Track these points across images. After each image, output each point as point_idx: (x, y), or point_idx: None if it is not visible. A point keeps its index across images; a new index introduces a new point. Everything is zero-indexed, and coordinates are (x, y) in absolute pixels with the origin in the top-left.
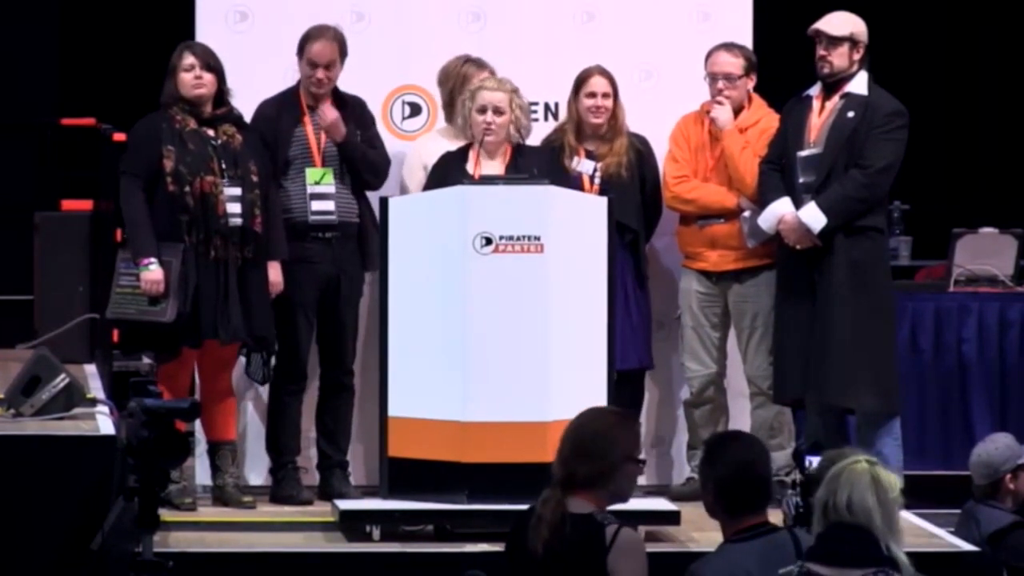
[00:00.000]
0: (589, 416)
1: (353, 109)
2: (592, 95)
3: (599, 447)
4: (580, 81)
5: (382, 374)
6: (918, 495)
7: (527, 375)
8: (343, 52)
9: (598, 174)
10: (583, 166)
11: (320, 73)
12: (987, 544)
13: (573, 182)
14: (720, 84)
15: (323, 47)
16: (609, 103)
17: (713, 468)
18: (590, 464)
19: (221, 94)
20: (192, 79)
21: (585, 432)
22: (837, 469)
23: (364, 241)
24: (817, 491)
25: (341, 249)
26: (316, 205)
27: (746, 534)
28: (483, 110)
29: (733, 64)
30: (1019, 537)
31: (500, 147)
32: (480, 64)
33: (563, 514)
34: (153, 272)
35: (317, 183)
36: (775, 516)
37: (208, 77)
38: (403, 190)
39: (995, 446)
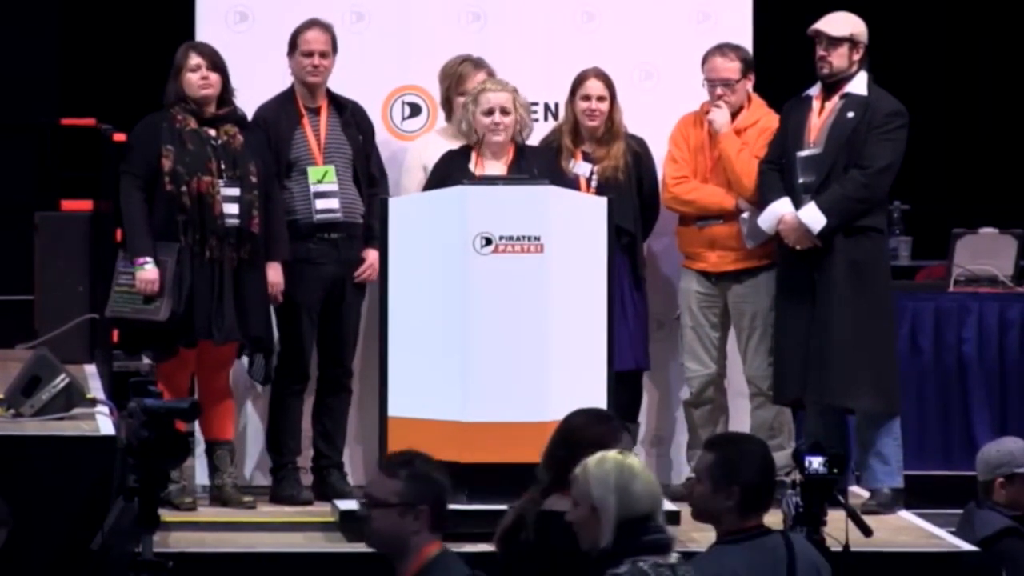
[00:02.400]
0: (564, 419)
1: (353, 114)
2: (587, 98)
3: (561, 449)
4: (576, 83)
5: (382, 374)
6: (918, 495)
7: (527, 375)
8: (334, 45)
9: (595, 177)
10: (580, 168)
11: (316, 59)
12: (979, 548)
13: (570, 184)
14: (719, 90)
15: (317, 34)
16: (604, 106)
17: (737, 472)
18: (555, 466)
19: (225, 94)
20: (198, 79)
21: (554, 434)
22: (612, 465)
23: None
24: (595, 491)
25: (346, 250)
26: (320, 204)
27: (739, 535)
28: (490, 112)
29: (730, 69)
30: (1008, 544)
31: (504, 148)
32: (478, 64)
33: (538, 512)
34: (148, 271)
35: (319, 181)
36: (775, 516)
37: (214, 77)
38: (401, 190)
39: (997, 448)
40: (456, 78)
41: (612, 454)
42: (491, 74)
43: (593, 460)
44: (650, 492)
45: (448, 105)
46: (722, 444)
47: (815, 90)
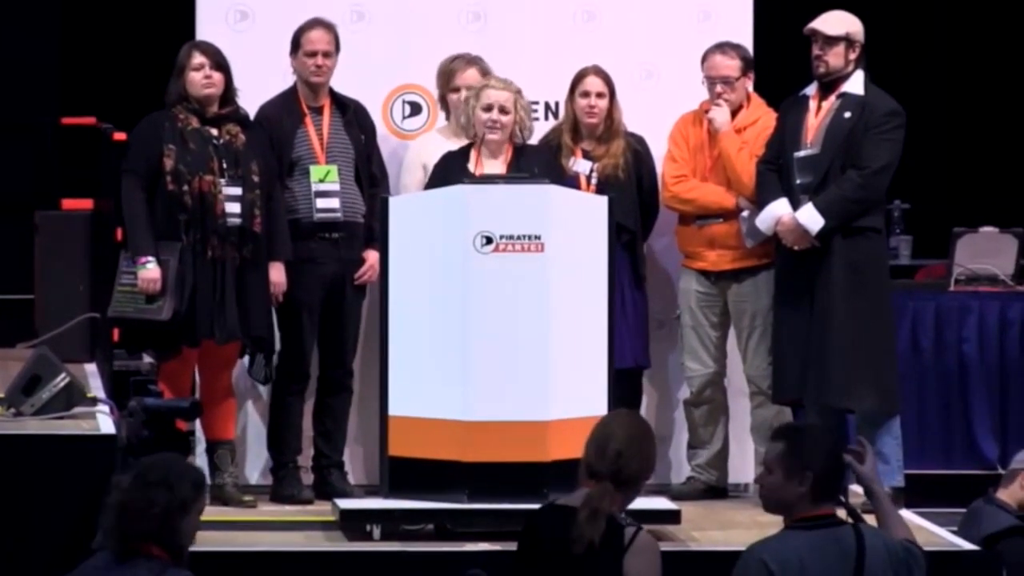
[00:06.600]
0: (630, 417)
1: (355, 113)
2: (586, 95)
3: (648, 446)
4: (575, 81)
5: (382, 373)
6: (918, 494)
7: (527, 374)
8: (337, 45)
9: (595, 175)
10: (580, 166)
11: (320, 59)
12: (983, 545)
13: (570, 182)
14: (719, 88)
15: (320, 34)
16: (604, 103)
17: (809, 459)
18: (641, 462)
19: (228, 93)
20: (202, 78)
21: (637, 431)
22: None
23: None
24: None
25: (347, 249)
26: (321, 203)
27: (810, 523)
28: (489, 108)
29: (730, 67)
30: (1012, 543)
31: (502, 147)
32: (471, 61)
33: (624, 514)
34: (150, 271)
35: (321, 180)
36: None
37: (217, 76)
38: (401, 189)
39: None
40: (448, 75)
41: None
42: (485, 71)
43: None
44: None
45: (445, 103)
46: (792, 432)
47: (811, 90)
